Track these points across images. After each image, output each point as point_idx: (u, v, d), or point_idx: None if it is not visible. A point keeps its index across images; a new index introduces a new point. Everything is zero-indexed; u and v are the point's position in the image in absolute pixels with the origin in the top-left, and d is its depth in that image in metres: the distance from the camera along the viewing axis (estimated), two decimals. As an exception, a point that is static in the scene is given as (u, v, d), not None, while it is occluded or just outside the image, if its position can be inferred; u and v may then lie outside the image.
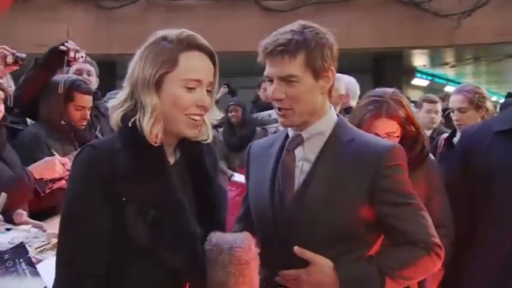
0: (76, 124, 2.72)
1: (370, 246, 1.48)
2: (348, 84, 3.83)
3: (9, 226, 1.94)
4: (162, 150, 1.31)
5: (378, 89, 1.99)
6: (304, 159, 1.50)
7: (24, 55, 2.61)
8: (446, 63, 10.90)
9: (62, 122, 2.70)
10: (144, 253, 1.25)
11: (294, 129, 1.54)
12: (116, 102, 1.33)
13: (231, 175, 5.06)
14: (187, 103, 1.29)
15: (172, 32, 1.33)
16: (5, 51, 2.55)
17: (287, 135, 1.57)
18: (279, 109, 1.49)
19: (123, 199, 1.24)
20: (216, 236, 1.32)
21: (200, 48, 1.34)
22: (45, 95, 2.72)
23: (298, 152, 1.52)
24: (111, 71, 7.31)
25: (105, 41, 7.43)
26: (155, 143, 1.28)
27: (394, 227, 1.44)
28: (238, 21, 7.51)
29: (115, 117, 1.32)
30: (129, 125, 1.29)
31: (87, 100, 2.75)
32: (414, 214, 1.46)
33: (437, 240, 1.45)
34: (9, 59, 2.54)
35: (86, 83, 2.86)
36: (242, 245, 1.30)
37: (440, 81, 13.12)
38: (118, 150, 1.28)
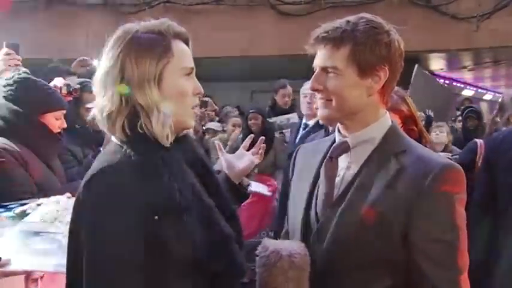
0: (90, 125, 2.77)
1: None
2: None
3: (40, 201, 1.93)
4: (177, 152, 1.22)
5: None
6: (347, 168, 1.34)
7: (77, 86, 2.78)
8: (465, 67, 10.77)
9: (77, 126, 2.76)
10: (185, 265, 1.15)
11: (340, 135, 1.38)
12: (108, 111, 1.18)
13: (248, 184, 5.00)
14: (189, 92, 1.23)
15: (150, 24, 1.24)
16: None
17: (334, 141, 1.41)
18: (320, 98, 1.34)
19: (156, 218, 1.11)
20: (271, 242, 1.32)
21: (182, 36, 1.26)
22: None
23: (343, 160, 1.36)
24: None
25: (123, 46, 7.50)
26: (167, 144, 1.18)
27: (417, 264, 1.23)
28: (254, 25, 7.53)
29: (117, 127, 1.18)
30: (140, 131, 1.17)
31: None
32: (447, 256, 1.23)
33: None
34: (64, 90, 2.71)
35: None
36: (300, 252, 1.29)
37: (458, 84, 12.98)
38: (141, 163, 1.14)
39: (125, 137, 1.19)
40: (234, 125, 5.44)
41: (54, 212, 1.82)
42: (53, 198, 1.92)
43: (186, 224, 1.14)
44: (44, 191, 2.18)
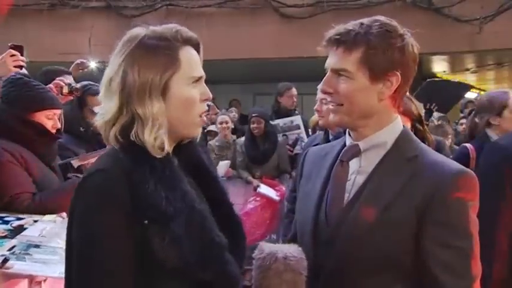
0: (95, 128, 2.77)
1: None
2: None
3: (36, 218, 1.98)
4: (172, 160, 1.20)
5: None
6: (358, 172, 1.33)
7: (78, 85, 2.77)
8: (467, 69, 10.76)
9: (81, 129, 2.77)
10: (173, 273, 1.14)
11: (350, 138, 1.37)
12: (106, 118, 1.19)
13: (257, 185, 5.00)
14: (197, 99, 1.21)
15: (159, 29, 1.21)
16: (61, 83, 2.69)
17: (344, 144, 1.39)
18: (330, 103, 1.33)
19: (145, 222, 1.12)
20: (267, 245, 1.32)
21: (192, 42, 1.23)
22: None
23: (354, 164, 1.34)
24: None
25: (126, 48, 7.50)
26: (160, 154, 1.16)
27: (430, 271, 1.22)
28: (257, 28, 7.54)
29: (112, 134, 1.19)
30: (131, 139, 1.17)
31: None
32: (461, 263, 1.22)
33: None
34: (65, 90, 2.72)
35: (96, 85, 2.93)
36: (296, 255, 1.29)
37: (461, 87, 12.93)
38: (130, 169, 1.14)
39: (118, 143, 1.19)
40: (221, 123, 5.54)
41: (53, 230, 1.84)
42: (47, 217, 1.95)
43: (173, 232, 1.12)
44: (44, 190, 2.19)
